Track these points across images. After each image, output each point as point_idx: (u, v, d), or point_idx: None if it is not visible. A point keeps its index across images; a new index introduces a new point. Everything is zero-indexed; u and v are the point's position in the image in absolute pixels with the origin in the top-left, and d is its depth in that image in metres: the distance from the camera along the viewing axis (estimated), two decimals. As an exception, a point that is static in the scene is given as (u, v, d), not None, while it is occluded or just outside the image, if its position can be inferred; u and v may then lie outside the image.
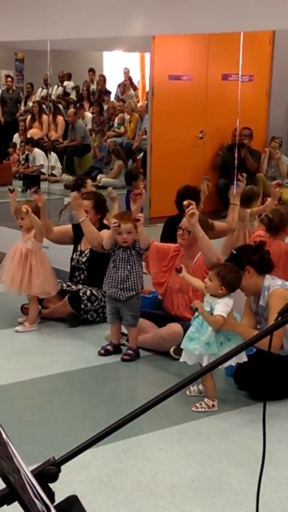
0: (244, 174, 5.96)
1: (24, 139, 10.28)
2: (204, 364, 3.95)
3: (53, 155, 9.71)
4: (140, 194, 5.16)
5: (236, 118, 5.83)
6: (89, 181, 6.59)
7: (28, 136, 10.82)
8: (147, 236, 4.83)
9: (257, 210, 5.84)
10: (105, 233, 5.34)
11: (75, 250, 5.72)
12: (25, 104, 11.47)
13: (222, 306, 4.00)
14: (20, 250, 5.40)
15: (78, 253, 5.67)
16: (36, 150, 9.84)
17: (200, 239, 4.61)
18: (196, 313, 4.11)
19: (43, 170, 9.74)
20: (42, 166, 9.86)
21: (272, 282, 4.18)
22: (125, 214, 4.91)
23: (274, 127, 7.60)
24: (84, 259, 5.64)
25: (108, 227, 5.45)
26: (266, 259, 4.25)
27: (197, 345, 3.99)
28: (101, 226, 5.55)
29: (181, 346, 4.25)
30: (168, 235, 5.34)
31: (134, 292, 4.81)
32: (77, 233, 5.56)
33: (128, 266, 4.80)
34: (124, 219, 4.76)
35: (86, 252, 5.63)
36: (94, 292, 5.52)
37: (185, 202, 4.65)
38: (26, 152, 10.04)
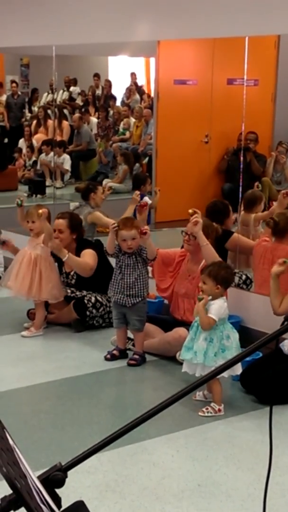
0: (259, 185, 5.97)
1: (45, 143, 10.19)
2: (197, 374, 3.98)
3: (67, 158, 9.77)
4: (146, 205, 5.15)
5: (241, 122, 5.83)
6: (100, 188, 6.61)
7: (34, 140, 10.84)
8: (154, 247, 4.83)
9: (261, 216, 5.84)
10: (88, 254, 5.38)
11: (60, 271, 5.66)
12: (30, 110, 11.49)
13: (216, 309, 4.03)
14: (29, 256, 5.38)
15: (65, 275, 5.65)
16: (65, 155, 9.86)
17: (203, 248, 4.61)
18: (193, 321, 4.14)
19: (66, 176, 9.80)
20: (68, 171, 9.90)
21: None
22: (128, 221, 4.89)
23: (279, 131, 7.60)
24: (73, 282, 5.66)
25: (84, 244, 5.49)
26: None
27: (192, 354, 4.02)
28: (79, 244, 5.57)
29: (180, 357, 4.27)
30: None
31: (140, 298, 4.81)
32: (56, 258, 5.52)
33: (134, 273, 4.80)
34: (127, 226, 4.76)
35: (72, 274, 5.62)
36: (99, 298, 5.52)
37: (190, 211, 4.65)
38: (55, 155, 9.95)
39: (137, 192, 6.40)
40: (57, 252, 5.30)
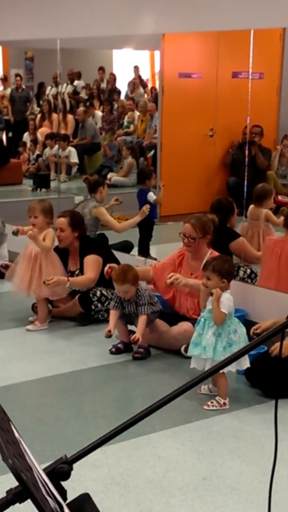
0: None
1: (52, 136, 10.19)
2: (206, 368, 3.99)
3: (73, 151, 9.78)
4: (112, 269, 5.08)
5: (246, 115, 5.82)
6: (106, 184, 6.60)
7: (38, 134, 10.83)
8: (147, 333, 4.83)
9: (274, 221, 5.81)
10: (91, 264, 5.41)
11: (66, 269, 5.63)
12: (38, 104, 11.47)
13: (223, 302, 4.03)
14: (30, 252, 5.37)
15: (70, 274, 5.62)
16: (71, 148, 9.85)
17: (201, 292, 4.37)
18: (199, 317, 4.14)
19: (74, 169, 9.80)
20: (76, 163, 9.88)
21: None
22: (121, 274, 4.77)
23: (284, 124, 7.58)
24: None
25: (87, 244, 5.51)
26: None
27: (201, 350, 4.02)
28: (82, 243, 5.57)
29: (188, 353, 4.27)
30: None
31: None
32: (60, 256, 5.52)
33: (136, 312, 4.84)
34: (119, 281, 4.74)
35: (77, 273, 5.61)
36: (104, 292, 5.51)
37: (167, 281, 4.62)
38: (59, 149, 9.95)
39: (148, 207, 6.42)
40: (57, 287, 5.28)
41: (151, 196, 6.83)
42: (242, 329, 4.11)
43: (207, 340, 4.02)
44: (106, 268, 5.11)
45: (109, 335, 4.73)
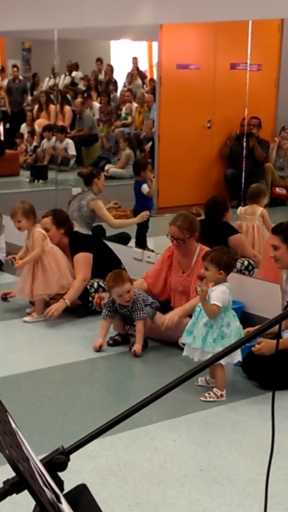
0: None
1: (51, 128, 10.15)
2: (195, 359, 3.99)
3: (71, 143, 9.74)
4: (103, 298, 5.08)
5: (244, 107, 5.80)
6: (102, 174, 6.58)
7: (36, 125, 10.79)
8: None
9: (267, 222, 5.82)
10: (80, 262, 5.41)
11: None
12: (31, 94, 11.45)
13: (217, 294, 4.02)
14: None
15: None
16: (68, 140, 9.82)
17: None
18: (196, 306, 4.14)
19: (72, 161, 9.78)
20: (74, 156, 9.85)
21: None
22: (118, 277, 4.73)
23: (282, 116, 7.56)
24: None
25: (77, 240, 5.52)
26: None
27: (192, 339, 4.03)
28: (71, 239, 5.59)
29: (181, 340, 4.27)
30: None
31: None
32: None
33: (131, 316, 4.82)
34: (119, 282, 4.68)
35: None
36: (101, 283, 5.51)
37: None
38: (57, 141, 9.92)
39: (147, 213, 6.42)
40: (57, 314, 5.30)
41: (144, 188, 6.84)
42: (236, 323, 4.10)
43: (198, 330, 4.03)
44: (95, 299, 5.11)
45: (99, 350, 4.74)
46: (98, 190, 6.43)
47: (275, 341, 3.99)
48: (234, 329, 4.05)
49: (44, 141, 10.21)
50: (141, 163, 7.47)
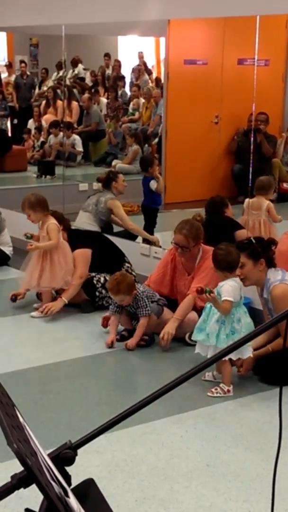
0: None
1: (55, 124, 10.14)
2: (209, 355, 3.99)
3: (78, 139, 9.74)
4: (108, 319, 5.08)
5: (252, 103, 5.79)
6: (120, 176, 6.59)
7: (43, 121, 10.78)
8: (153, 320, 4.82)
9: (274, 215, 5.81)
10: (79, 258, 5.42)
11: None
12: (39, 88, 11.45)
13: (227, 289, 4.03)
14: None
15: None
16: (76, 136, 9.83)
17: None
18: (206, 303, 4.13)
19: (79, 156, 9.78)
20: (81, 152, 9.86)
21: (273, 275, 4.20)
22: (114, 286, 4.73)
23: (290, 112, 7.55)
24: None
25: (76, 236, 5.54)
26: (274, 255, 4.32)
27: (205, 336, 4.03)
28: (70, 235, 5.60)
29: (192, 338, 4.27)
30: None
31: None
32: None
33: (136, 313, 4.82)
34: (113, 292, 4.72)
35: None
36: (108, 278, 5.51)
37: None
38: (64, 137, 9.92)
39: (157, 238, 6.49)
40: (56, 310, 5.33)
41: (152, 184, 6.84)
42: (246, 319, 4.10)
43: (210, 327, 4.03)
44: (102, 321, 5.12)
45: (111, 346, 4.75)
46: (118, 192, 6.49)
47: (252, 357, 4.11)
48: (244, 325, 4.05)
49: (51, 137, 10.21)
50: (147, 159, 7.47)
